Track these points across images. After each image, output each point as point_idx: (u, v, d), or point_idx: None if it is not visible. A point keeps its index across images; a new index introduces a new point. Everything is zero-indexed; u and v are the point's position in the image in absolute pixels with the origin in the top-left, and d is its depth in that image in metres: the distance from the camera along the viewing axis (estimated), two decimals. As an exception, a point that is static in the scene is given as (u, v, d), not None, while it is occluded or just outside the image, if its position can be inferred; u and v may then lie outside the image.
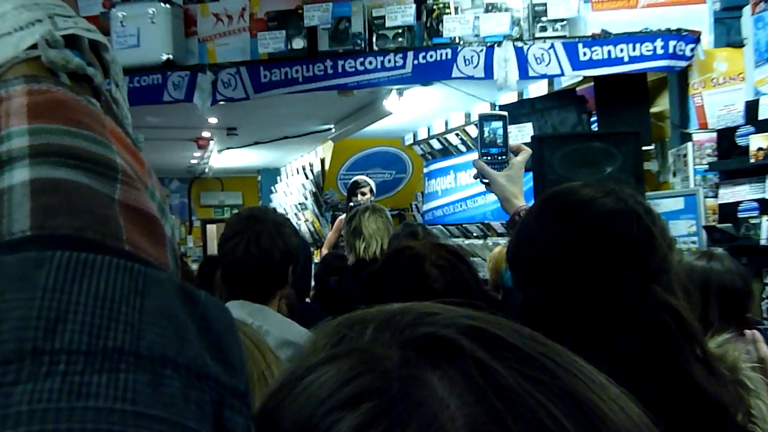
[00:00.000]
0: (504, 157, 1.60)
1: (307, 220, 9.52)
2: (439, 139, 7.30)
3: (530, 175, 3.23)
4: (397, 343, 0.35)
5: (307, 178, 9.60)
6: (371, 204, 3.67)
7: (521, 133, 4.30)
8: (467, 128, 6.60)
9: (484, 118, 1.62)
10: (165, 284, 0.34)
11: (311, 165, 9.68)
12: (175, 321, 0.33)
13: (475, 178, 1.62)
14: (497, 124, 1.61)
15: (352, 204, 4.74)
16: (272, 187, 11.62)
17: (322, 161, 9.06)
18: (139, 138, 0.52)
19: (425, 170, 7.94)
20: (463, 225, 6.70)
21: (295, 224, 8.49)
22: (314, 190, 9.21)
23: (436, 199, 7.48)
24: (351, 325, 0.38)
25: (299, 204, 9.94)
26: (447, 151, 7.32)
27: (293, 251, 1.92)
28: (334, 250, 4.72)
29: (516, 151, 1.62)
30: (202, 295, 0.36)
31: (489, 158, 1.59)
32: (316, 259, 5.64)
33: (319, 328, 0.39)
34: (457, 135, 6.93)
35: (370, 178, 5.35)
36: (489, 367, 0.33)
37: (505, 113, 1.65)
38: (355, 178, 5.25)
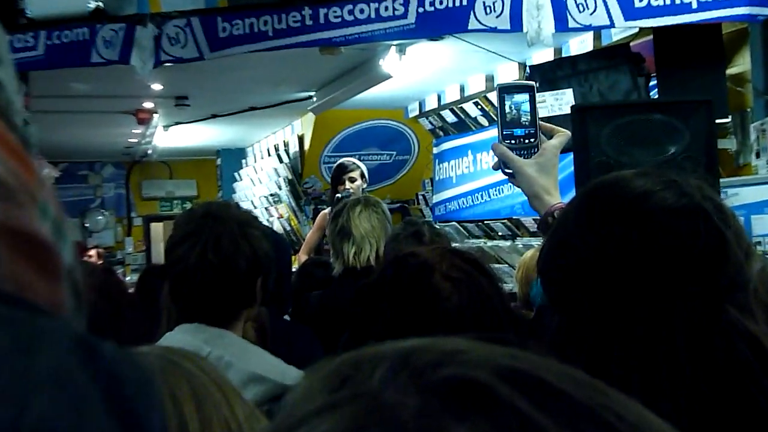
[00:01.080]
0: (532, 140, 1.62)
1: (281, 217, 9.57)
2: (453, 110, 7.33)
3: (569, 158, 3.25)
4: (414, 388, 0.35)
5: (280, 161, 9.64)
6: (364, 195, 3.71)
7: (558, 103, 4.32)
8: (490, 95, 6.62)
9: (505, 90, 1.64)
10: (58, 337, 0.34)
11: (286, 144, 9.73)
12: (72, 386, 0.32)
13: (496, 168, 1.63)
14: (521, 98, 1.63)
15: (339, 195, 4.83)
16: (235, 174, 11.66)
17: (301, 139, 9.10)
18: (29, 132, 0.50)
19: (435, 150, 8.00)
20: (486, 222, 6.76)
21: (265, 222, 8.41)
22: (290, 177, 9.25)
23: (449, 188, 7.54)
24: (356, 365, 0.38)
25: (271, 195, 9.97)
26: (463, 126, 7.36)
27: (263, 259, 1.94)
28: (315, 256, 4.74)
29: (549, 133, 1.63)
30: (109, 349, 0.35)
31: (513, 142, 1.61)
32: (294, 267, 5.66)
33: (316, 368, 0.40)
34: (476, 104, 6.96)
35: (362, 161, 5.36)
36: (532, 420, 0.33)
37: (532, 83, 1.66)
38: (343, 160, 5.29)
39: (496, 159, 1.62)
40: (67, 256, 0.46)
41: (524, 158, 1.59)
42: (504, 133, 1.62)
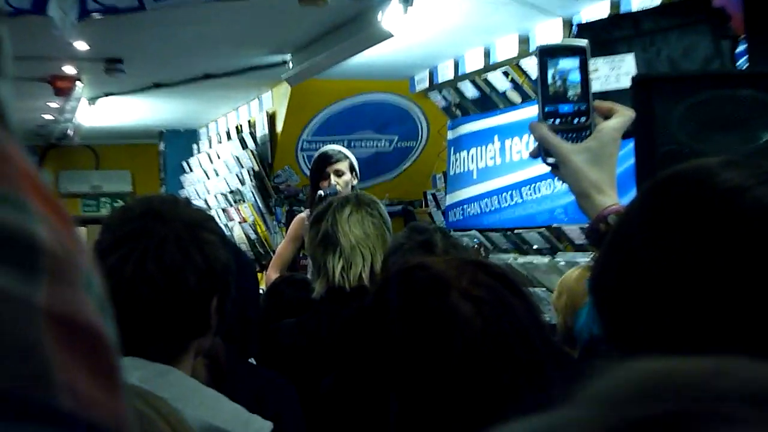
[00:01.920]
0: (583, 119, 1.62)
1: (244, 221, 9.56)
2: (474, 82, 7.33)
3: (629, 146, 3.23)
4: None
5: (244, 147, 9.66)
6: (355, 193, 3.74)
7: (615, 73, 4.31)
8: (523, 62, 6.62)
9: (548, 53, 1.65)
10: None
11: (252, 125, 9.73)
12: None
13: (534, 156, 1.63)
14: (569, 63, 1.63)
15: (321, 193, 4.93)
16: (184, 164, 11.68)
17: (271, 118, 9.12)
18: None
19: (450, 135, 7.99)
20: (516, 231, 6.73)
21: (223, 227, 8.51)
22: (257, 168, 9.28)
23: (468, 185, 7.54)
24: None
25: (231, 193, 9.98)
26: (488, 103, 7.34)
27: (220, 272, 1.94)
28: (289, 273, 4.71)
29: (606, 113, 1.63)
30: None
31: (557, 122, 1.62)
32: (261, 288, 5.63)
33: None
34: (505, 75, 6.95)
35: (352, 148, 5.33)
36: None
37: (584, 43, 1.65)
38: (327, 148, 5.32)
39: (535, 144, 1.62)
40: (113, 340, 0.47)
41: (572, 144, 1.59)
42: (546, 110, 1.62)
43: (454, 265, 1.38)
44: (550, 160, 1.61)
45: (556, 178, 1.62)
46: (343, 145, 5.83)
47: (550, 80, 1.62)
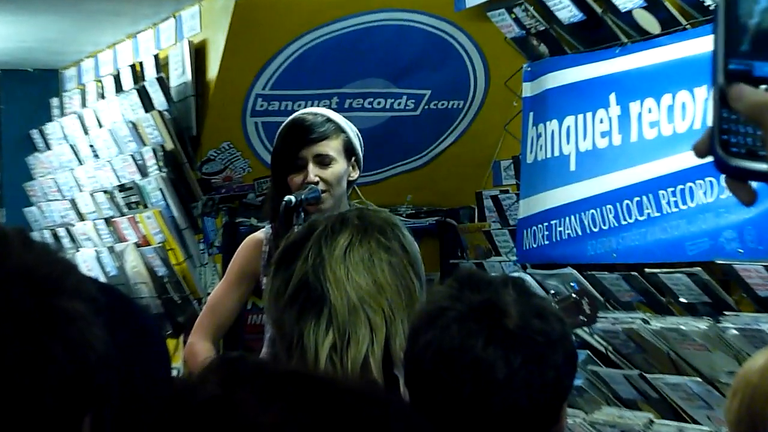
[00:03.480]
0: None
1: (145, 243, 6.65)
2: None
3: None
4: None
5: (147, 106, 6.51)
6: (357, 209, 2.57)
7: None
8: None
9: None
10: None
11: (162, 65, 6.56)
12: None
13: (702, 153, 1.22)
14: None
15: (292, 198, 3.45)
16: (34, 133, 8.24)
17: (198, 54, 6.22)
18: None
19: (528, 90, 5.31)
20: (649, 271, 4.55)
21: (106, 254, 6.92)
22: (170, 144, 6.35)
23: (562, 183, 5.09)
24: None
25: (122, 189, 6.81)
26: (600, 33, 4.83)
27: (93, 371, 1.44)
28: (229, 353, 3.32)
29: None
30: None
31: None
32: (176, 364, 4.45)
33: None
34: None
35: (347, 112, 4.12)
36: None
37: None
38: (301, 112, 3.76)
39: (705, 130, 1.22)
40: None
41: None
42: (732, 67, 1.21)
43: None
44: (762, 166, 1.18)
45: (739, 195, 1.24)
46: (332, 108, 4.57)
47: (746, 13, 1.24)
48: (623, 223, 4.71)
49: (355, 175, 3.69)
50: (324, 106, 4.80)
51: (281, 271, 2.35)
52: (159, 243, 6.34)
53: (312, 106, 5.19)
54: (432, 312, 2.02)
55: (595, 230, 4.82)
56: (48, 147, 8.09)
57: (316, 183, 3.54)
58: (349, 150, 3.65)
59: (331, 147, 3.59)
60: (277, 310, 2.34)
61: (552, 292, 4.18)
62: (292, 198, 3.44)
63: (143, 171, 6.48)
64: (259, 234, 3.79)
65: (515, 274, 4.29)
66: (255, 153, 5.84)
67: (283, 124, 3.71)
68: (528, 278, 4.32)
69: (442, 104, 5.97)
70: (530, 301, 2.01)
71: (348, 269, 2.30)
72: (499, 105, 5.85)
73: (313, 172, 3.54)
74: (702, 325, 4.26)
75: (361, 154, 3.72)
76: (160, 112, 6.28)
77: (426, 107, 5.97)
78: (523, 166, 5.38)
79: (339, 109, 4.61)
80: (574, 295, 3.96)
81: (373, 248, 2.34)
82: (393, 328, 2.28)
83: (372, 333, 2.28)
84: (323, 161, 3.58)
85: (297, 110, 3.95)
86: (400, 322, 2.28)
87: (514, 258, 5.40)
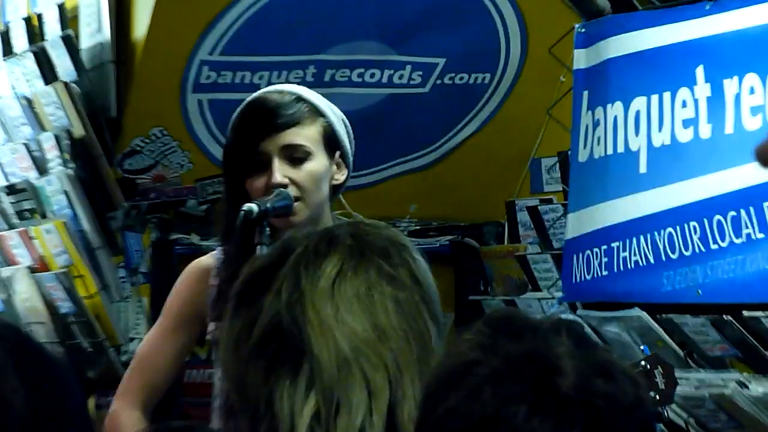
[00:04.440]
0: None
1: (43, 267, 5.46)
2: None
3: None
4: None
5: (48, 77, 5.46)
6: (345, 223, 2.08)
7: None
8: None
9: None
10: None
11: (66, 19, 5.48)
12: None
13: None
14: None
15: (253, 206, 2.77)
16: None
17: (117, 3, 5.20)
18: None
19: (582, 61, 4.43)
20: (748, 315, 3.84)
21: None
22: (80, 130, 5.31)
23: (628, 191, 4.29)
24: None
25: (11, 192, 5.60)
26: None
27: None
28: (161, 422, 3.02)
29: None
30: None
31: None
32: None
33: None
34: None
35: (327, 89, 3.58)
36: None
37: None
38: (265, 90, 3.06)
39: None
40: None
41: None
42: None
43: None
44: None
45: None
46: (307, 82, 3.85)
47: None
48: (713, 247, 3.80)
49: (340, 176, 2.96)
50: (296, 80, 3.94)
51: (243, 310, 1.91)
52: (62, 267, 5.07)
53: (279, 79, 4.26)
54: (455, 368, 1.61)
55: (674, 257, 3.93)
56: None
57: (285, 186, 2.81)
58: (330, 141, 2.91)
59: (305, 136, 2.84)
60: (236, 364, 1.90)
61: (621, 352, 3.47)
62: (254, 206, 2.72)
63: (41, 166, 5.24)
64: (207, 259, 3.03)
65: (567, 316, 3.51)
66: (198, 143, 4.73)
67: (240, 107, 2.95)
68: (592, 339, 3.72)
69: (461, 78, 4.84)
70: (592, 354, 1.57)
71: (337, 308, 1.86)
72: (540, 80, 4.74)
73: (280, 171, 2.80)
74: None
75: (348, 147, 2.98)
76: (65, 84, 5.05)
77: (438, 82, 4.86)
78: (573, 166, 4.37)
79: (317, 84, 3.79)
80: (643, 363, 3.20)
81: (372, 279, 1.90)
82: (399, 390, 1.86)
83: (370, 397, 1.86)
84: (294, 156, 2.84)
85: (258, 85, 3.24)
86: (410, 382, 1.85)
87: (559, 294, 4.40)
